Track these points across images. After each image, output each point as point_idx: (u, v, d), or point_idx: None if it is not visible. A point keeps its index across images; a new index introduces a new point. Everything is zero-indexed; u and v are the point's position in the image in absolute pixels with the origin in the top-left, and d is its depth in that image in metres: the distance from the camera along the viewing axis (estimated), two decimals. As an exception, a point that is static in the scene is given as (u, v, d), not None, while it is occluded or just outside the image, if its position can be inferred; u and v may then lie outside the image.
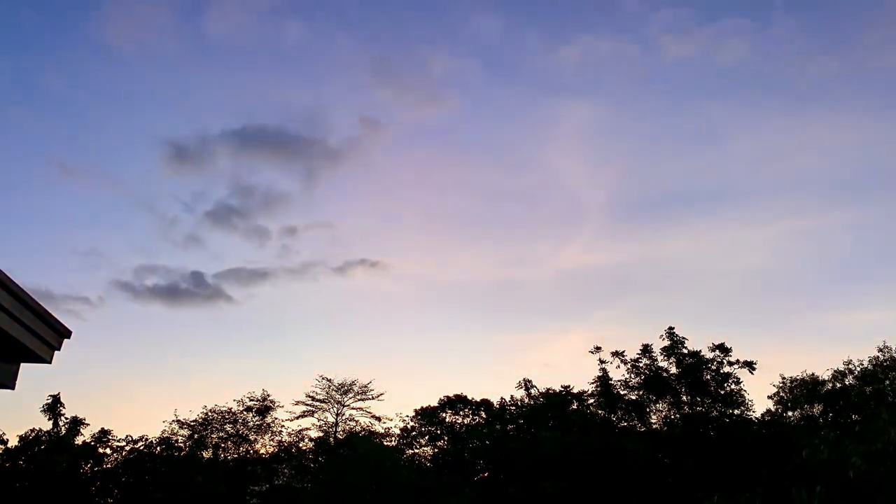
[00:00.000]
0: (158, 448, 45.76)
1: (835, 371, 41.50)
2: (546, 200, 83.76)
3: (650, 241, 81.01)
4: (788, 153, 77.89)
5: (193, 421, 49.97)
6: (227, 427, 50.31)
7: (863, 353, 57.94)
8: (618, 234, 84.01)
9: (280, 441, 50.75)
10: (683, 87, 77.30)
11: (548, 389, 50.79)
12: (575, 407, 48.34)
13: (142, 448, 45.04)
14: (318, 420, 52.91)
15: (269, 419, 51.09)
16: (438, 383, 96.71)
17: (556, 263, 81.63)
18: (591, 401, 47.78)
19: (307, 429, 52.19)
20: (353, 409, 53.15)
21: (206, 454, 47.75)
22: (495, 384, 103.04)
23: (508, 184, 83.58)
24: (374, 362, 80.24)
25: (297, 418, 52.59)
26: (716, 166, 78.65)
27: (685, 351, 44.13)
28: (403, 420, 54.04)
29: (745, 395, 43.81)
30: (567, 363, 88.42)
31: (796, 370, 50.73)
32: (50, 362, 6.03)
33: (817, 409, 41.57)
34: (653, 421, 45.31)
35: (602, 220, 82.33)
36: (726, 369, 43.84)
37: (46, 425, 42.62)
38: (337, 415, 52.94)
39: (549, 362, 75.02)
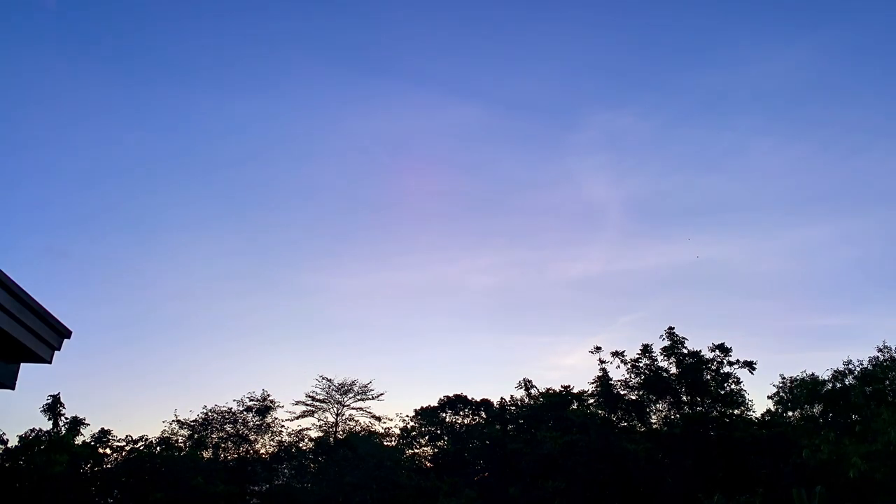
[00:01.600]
0: (158, 448, 45.73)
1: (835, 371, 41.45)
2: (567, 207, 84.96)
3: (672, 249, 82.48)
4: (802, 170, 79.73)
5: (193, 421, 49.98)
6: (227, 427, 50.30)
7: (863, 353, 58.26)
8: (639, 242, 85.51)
9: (280, 441, 50.73)
10: (708, 101, 78.73)
11: (548, 389, 50.76)
12: (575, 407, 48.31)
13: (142, 448, 45.01)
14: (318, 420, 52.93)
15: (269, 419, 51.09)
16: (458, 388, 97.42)
17: (579, 270, 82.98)
18: (591, 401, 47.75)
19: (307, 429, 52.21)
20: (353, 409, 53.20)
21: (206, 454, 47.72)
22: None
23: (529, 189, 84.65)
24: (395, 364, 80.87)
25: (297, 418, 52.62)
26: (737, 179, 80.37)
27: (685, 351, 44.11)
28: (403, 420, 54.07)
29: (745, 395, 43.87)
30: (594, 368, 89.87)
31: (796, 370, 50.81)
32: (50, 362, 6.02)
33: (817, 409, 41.51)
34: (653, 421, 45.27)
35: (623, 228, 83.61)
36: (726, 369, 43.86)
37: (46, 425, 42.63)
38: (337, 415, 52.95)
39: (574, 366, 76.31)
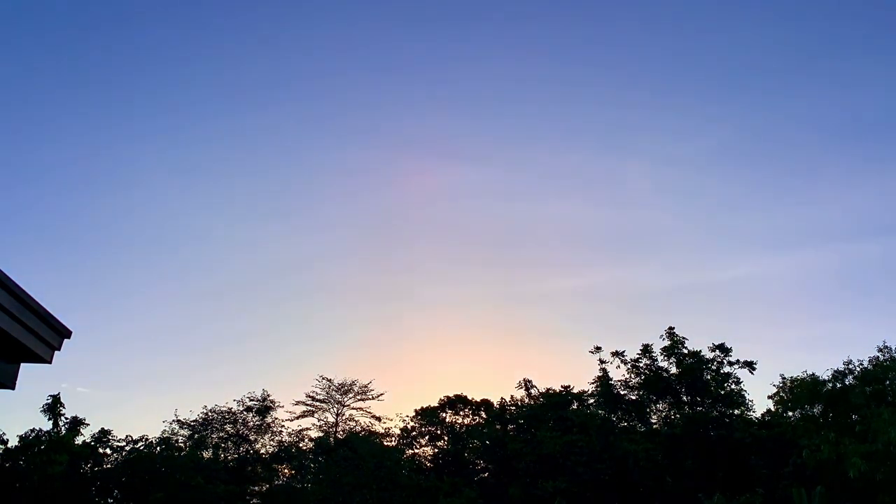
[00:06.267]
0: (158, 448, 45.73)
1: (835, 371, 41.40)
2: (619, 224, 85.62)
3: (717, 267, 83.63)
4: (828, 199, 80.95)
5: (193, 421, 49.98)
6: (227, 427, 50.31)
7: (863, 354, 58.39)
8: (691, 259, 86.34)
9: (280, 441, 50.74)
10: (761, 131, 79.64)
11: (548, 389, 50.74)
12: (575, 407, 48.31)
13: (142, 448, 45.01)
14: (318, 420, 52.95)
15: (269, 419, 51.10)
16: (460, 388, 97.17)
17: (635, 284, 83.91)
18: (592, 401, 47.74)
19: (307, 429, 52.23)
20: (353, 409, 53.22)
21: (206, 454, 47.72)
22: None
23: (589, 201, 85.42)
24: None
25: (297, 418, 52.63)
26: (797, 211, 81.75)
27: (685, 351, 44.07)
28: (403, 420, 54.05)
29: (746, 395, 43.85)
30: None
31: (796, 370, 50.71)
32: (50, 362, 6.01)
33: (817, 409, 41.47)
34: (653, 421, 45.26)
35: (677, 245, 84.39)
36: (726, 369, 43.84)
37: (46, 425, 42.59)
38: (337, 415, 52.97)
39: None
